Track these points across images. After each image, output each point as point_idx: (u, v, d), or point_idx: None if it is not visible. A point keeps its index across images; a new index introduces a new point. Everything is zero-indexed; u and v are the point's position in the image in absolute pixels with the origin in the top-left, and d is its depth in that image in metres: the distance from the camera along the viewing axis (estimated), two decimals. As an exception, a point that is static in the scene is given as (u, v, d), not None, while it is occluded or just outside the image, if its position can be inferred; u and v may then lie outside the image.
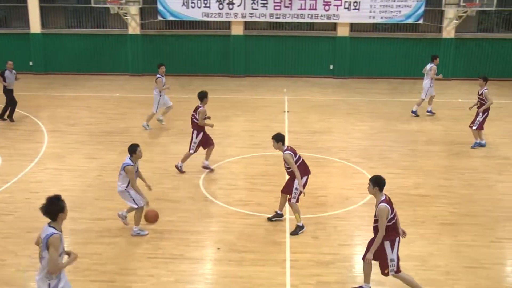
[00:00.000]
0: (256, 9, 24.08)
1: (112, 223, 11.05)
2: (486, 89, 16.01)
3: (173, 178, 13.48)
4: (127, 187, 10.47)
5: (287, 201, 10.92)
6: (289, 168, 10.57)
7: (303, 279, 9.26)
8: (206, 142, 13.89)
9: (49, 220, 6.94)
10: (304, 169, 10.69)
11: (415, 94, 22.27)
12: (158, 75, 17.21)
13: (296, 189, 10.62)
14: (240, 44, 25.13)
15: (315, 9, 24.08)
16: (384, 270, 8.51)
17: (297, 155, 10.60)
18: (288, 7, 24.03)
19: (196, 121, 13.65)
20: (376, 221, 8.35)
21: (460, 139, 16.65)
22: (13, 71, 18.24)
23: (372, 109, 20.03)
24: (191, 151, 13.81)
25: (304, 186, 10.66)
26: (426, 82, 19.23)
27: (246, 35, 25.09)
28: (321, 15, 24.25)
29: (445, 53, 24.97)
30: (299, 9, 24.07)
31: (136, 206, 10.59)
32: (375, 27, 25.32)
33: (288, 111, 19.37)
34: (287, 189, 10.82)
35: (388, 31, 25.28)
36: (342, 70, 25.26)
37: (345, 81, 24.75)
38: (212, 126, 13.96)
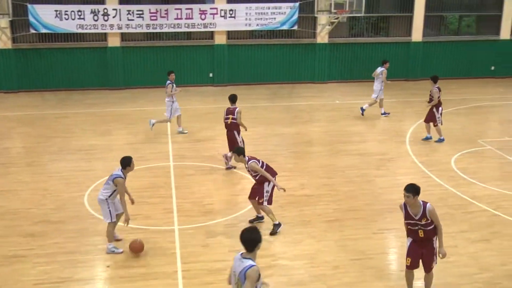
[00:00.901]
0: (132, 20, 23.77)
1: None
2: (435, 87, 17.10)
3: (55, 198, 13.00)
4: (109, 197, 10.20)
5: (258, 204, 11.20)
6: (256, 175, 10.96)
7: (196, 289, 9.28)
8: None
9: None
10: (272, 171, 11.16)
11: (295, 98, 22.99)
12: (168, 81, 17.68)
13: (267, 191, 11.00)
14: (118, 56, 24.70)
15: (192, 18, 24.15)
16: (430, 266, 8.76)
17: (260, 161, 11.04)
18: (164, 17, 23.92)
19: (234, 121, 14.44)
20: (426, 225, 8.44)
21: (339, 139, 17.33)
22: None
23: (254, 114, 20.36)
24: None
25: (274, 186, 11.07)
26: (376, 85, 20.13)
27: (123, 47, 24.70)
28: (198, 24, 24.35)
29: (320, 58, 25.93)
30: (175, 18, 24.03)
31: (109, 221, 10.29)
32: (251, 34, 25.78)
33: (170, 121, 19.26)
34: (255, 194, 11.16)
35: (265, 38, 25.84)
36: (221, 77, 25.51)
37: (225, 88, 24.98)
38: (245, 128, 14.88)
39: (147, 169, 14.83)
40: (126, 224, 10.36)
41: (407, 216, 8.54)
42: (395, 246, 11.02)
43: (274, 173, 11.22)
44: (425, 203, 8.44)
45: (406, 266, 8.84)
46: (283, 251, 10.51)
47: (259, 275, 6.48)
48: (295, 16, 24.83)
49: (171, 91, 17.66)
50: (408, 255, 8.78)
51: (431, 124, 17.25)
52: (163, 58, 24.98)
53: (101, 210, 10.50)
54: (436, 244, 8.60)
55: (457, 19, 27.77)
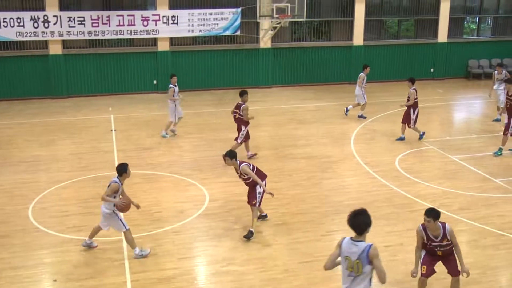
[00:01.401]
0: (74, 27, 23.34)
1: None
2: (412, 88, 17.49)
3: (-3, 211, 12.68)
4: (114, 206, 10.10)
5: (250, 204, 11.39)
6: (247, 179, 11.17)
7: (146, 298, 9.19)
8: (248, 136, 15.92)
9: None
10: (262, 174, 11.38)
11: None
12: (170, 85, 18.19)
13: (259, 193, 11.24)
14: (60, 64, 24.22)
15: (134, 24, 23.93)
16: (457, 269, 8.72)
17: (251, 165, 11.27)
18: (106, 23, 23.61)
19: (241, 117, 15.55)
20: (447, 245, 8.47)
21: (284, 143, 17.47)
22: None
23: (199, 121, 20.33)
24: (239, 141, 15.72)
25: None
26: (357, 89, 20.59)
27: (65, 54, 24.23)
28: (141, 31, 24.15)
29: (264, 62, 26.10)
30: (117, 25, 23.75)
31: (124, 230, 10.24)
32: (195, 40, 25.73)
33: (115, 130, 19.06)
34: (252, 198, 11.30)
35: (208, 44, 25.83)
36: (166, 84, 25.15)
37: (170, 95, 24.85)
38: (253, 118, 15.92)
39: (93, 179, 14.59)
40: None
41: (428, 238, 8.50)
42: (343, 247, 11.16)
43: (263, 176, 11.46)
44: (443, 224, 8.43)
45: (422, 274, 8.77)
46: (233, 257, 10.51)
47: None
48: (238, 22, 24.93)
49: (173, 95, 18.02)
50: (423, 263, 8.74)
51: (406, 125, 17.70)
52: (106, 66, 24.67)
53: (112, 223, 10.41)
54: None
55: (396, 23, 28.41)
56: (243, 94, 15.69)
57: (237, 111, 15.69)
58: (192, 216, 12.25)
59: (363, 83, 20.50)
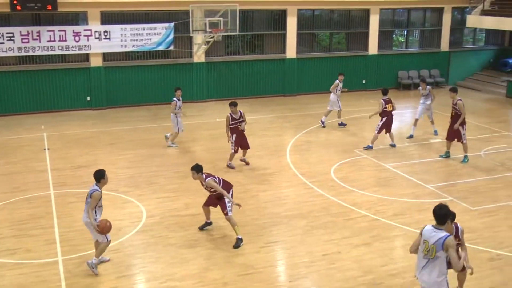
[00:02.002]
0: (3, 43, 22.66)
1: None
2: (383, 99, 18.30)
3: None
4: (96, 215, 9.95)
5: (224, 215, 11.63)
6: (214, 191, 11.47)
7: (84, 319, 9.01)
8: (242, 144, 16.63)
9: None
10: (228, 185, 11.68)
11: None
12: (174, 98, 18.53)
13: (229, 202, 11.48)
14: (-13, 82, 23.53)
15: (65, 40, 23.45)
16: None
17: (217, 177, 11.58)
18: (36, 39, 23.07)
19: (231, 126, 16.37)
20: (458, 245, 8.54)
21: (221, 156, 17.50)
22: None
23: (134, 137, 20.13)
24: (232, 150, 16.47)
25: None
26: (332, 96, 21.29)
27: (-7, 73, 23.57)
28: (72, 46, 23.72)
29: (198, 77, 26.10)
30: (48, 41, 23.24)
31: (105, 241, 10.09)
32: (128, 55, 25.50)
33: (48, 148, 18.62)
34: (223, 208, 11.57)
35: (142, 59, 25.63)
36: (99, 101, 24.97)
37: (104, 111, 24.52)
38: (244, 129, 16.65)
39: (26, 199, 14.21)
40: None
41: None
42: (283, 258, 11.28)
43: (229, 186, 11.72)
44: (456, 225, 8.68)
45: None
46: (172, 273, 10.45)
47: None
48: (171, 37, 24.86)
49: (175, 109, 18.38)
50: None
51: (388, 134, 18.63)
52: (37, 82, 24.05)
53: (93, 233, 10.29)
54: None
55: (328, 36, 28.96)
56: (232, 104, 16.45)
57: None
58: (130, 233, 12.12)
59: (337, 90, 21.19)
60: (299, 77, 27.95)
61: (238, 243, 11.49)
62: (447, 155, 17.31)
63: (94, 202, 10.09)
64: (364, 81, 29.30)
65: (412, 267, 10.49)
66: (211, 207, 12.15)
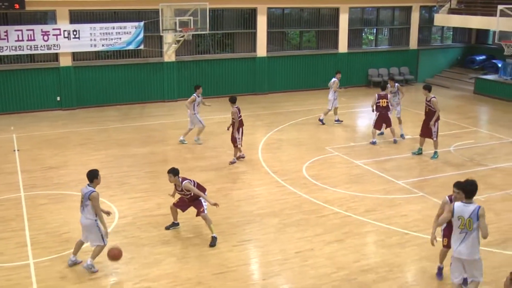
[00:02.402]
0: (-32, 44, 22.36)
1: None
2: (378, 94, 18.88)
3: None
4: (96, 216, 9.80)
5: (199, 214, 11.66)
6: (189, 194, 11.50)
7: (57, 321, 8.93)
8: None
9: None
10: (202, 188, 11.71)
11: (146, 118, 22.86)
12: (194, 94, 18.90)
13: (205, 201, 11.52)
14: (-47, 83, 23.11)
15: (34, 39, 23.15)
16: None
17: (192, 180, 11.59)
18: (4, 39, 22.69)
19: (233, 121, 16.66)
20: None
21: (193, 155, 17.47)
22: None
23: (105, 137, 19.96)
24: (238, 146, 16.84)
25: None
26: (330, 94, 21.43)
27: (-41, 74, 23.15)
28: (41, 46, 23.40)
29: (169, 76, 26.00)
30: (16, 40, 22.90)
31: (102, 244, 9.97)
32: (98, 55, 25.29)
33: (18, 150, 18.37)
34: (199, 207, 11.60)
35: (112, 58, 25.43)
36: (69, 101, 24.70)
37: (74, 111, 24.27)
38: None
39: (-5, 201, 14.04)
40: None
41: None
42: (256, 256, 11.31)
43: (203, 189, 11.77)
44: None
45: (444, 245, 9.90)
46: (145, 273, 10.40)
47: None
48: (141, 36, 24.72)
49: (192, 104, 18.72)
50: (445, 235, 9.80)
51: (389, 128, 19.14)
52: (6, 83, 23.66)
53: (90, 235, 10.17)
54: None
55: (298, 34, 29.08)
56: (231, 100, 16.74)
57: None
58: (102, 234, 12.02)
59: (336, 88, 21.57)
60: (270, 76, 28.02)
61: (214, 242, 11.50)
62: (419, 152, 17.52)
63: (97, 202, 10.05)
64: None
65: (387, 261, 10.68)
66: (179, 210, 12.14)
